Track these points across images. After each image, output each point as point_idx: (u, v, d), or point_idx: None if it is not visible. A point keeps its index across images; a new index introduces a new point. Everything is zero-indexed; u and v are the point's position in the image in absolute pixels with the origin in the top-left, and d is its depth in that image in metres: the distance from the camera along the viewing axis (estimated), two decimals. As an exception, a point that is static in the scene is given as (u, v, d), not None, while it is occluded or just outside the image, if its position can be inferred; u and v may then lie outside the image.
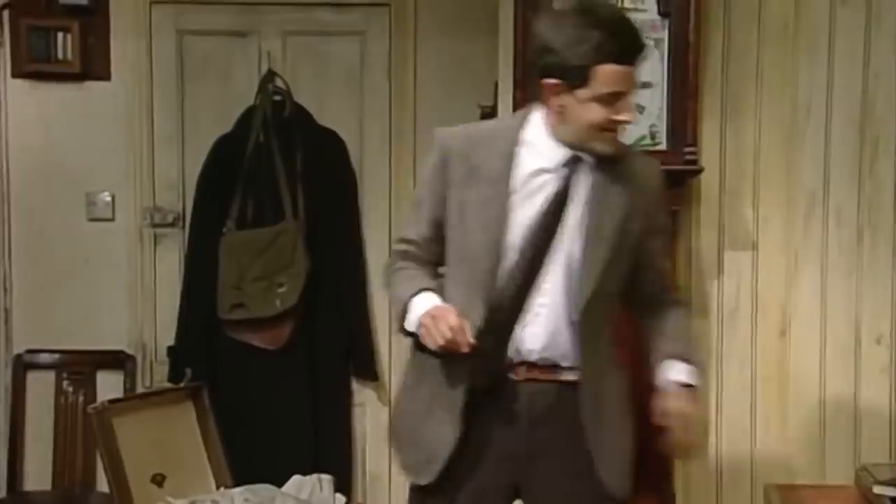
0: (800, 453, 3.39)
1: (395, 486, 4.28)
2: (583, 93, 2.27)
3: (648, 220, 2.44)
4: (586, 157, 2.36)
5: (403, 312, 2.38)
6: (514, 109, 3.20)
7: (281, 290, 4.06)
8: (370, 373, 4.26)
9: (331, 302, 4.16)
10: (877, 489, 2.99)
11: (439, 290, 2.41)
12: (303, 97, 4.18)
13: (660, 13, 3.23)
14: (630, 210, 2.39)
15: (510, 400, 2.40)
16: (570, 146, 2.35)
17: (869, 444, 3.35)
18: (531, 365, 2.39)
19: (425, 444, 2.45)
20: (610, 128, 2.31)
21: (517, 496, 2.49)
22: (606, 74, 2.25)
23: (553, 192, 2.36)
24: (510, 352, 2.38)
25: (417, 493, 2.51)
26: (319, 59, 4.26)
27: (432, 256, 2.48)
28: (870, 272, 3.36)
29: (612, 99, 2.27)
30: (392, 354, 4.27)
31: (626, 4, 3.24)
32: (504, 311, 2.36)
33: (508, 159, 2.38)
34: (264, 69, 4.17)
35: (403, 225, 2.63)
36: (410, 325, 2.36)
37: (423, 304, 2.34)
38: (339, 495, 3.45)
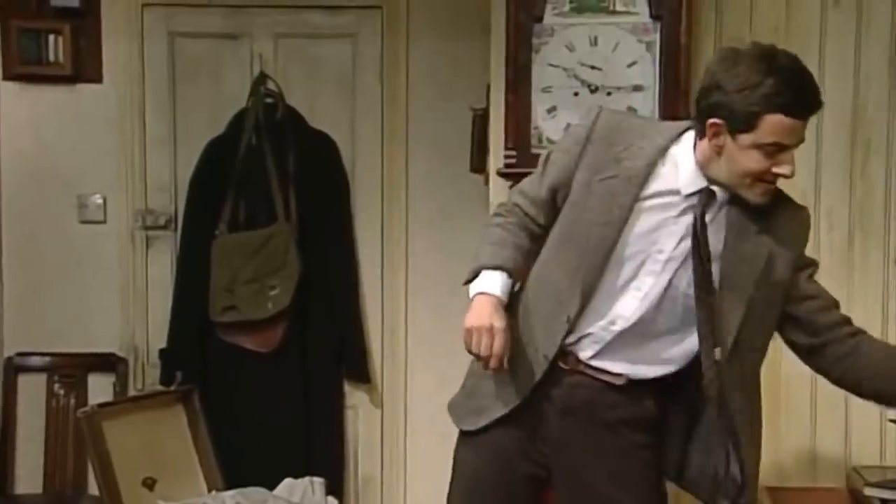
0: (791, 455, 3.39)
1: (387, 488, 4.28)
2: (745, 138, 2.20)
3: (796, 269, 2.38)
4: (721, 193, 2.30)
5: (474, 274, 2.35)
6: (506, 111, 3.21)
7: (273, 292, 4.05)
8: (362, 375, 4.25)
9: (323, 304, 4.15)
10: (868, 491, 3.00)
11: (522, 264, 2.39)
12: (295, 99, 4.18)
13: (651, 16, 3.23)
14: (771, 260, 2.32)
15: (552, 385, 2.40)
16: (717, 184, 2.29)
17: (860, 447, 3.36)
18: (580, 360, 2.39)
19: (483, 396, 2.45)
20: (766, 179, 2.25)
21: (546, 485, 2.48)
22: (774, 125, 2.18)
23: (691, 221, 2.29)
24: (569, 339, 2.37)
25: (461, 437, 2.53)
26: (311, 61, 4.25)
27: (539, 220, 2.43)
28: (861, 274, 3.36)
29: (773, 150, 2.20)
30: (384, 357, 4.27)
31: (619, 7, 3.24)
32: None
33: (650, 166, 2.33)
34: (256, 71, 4.17)
35: (526, 179, 2.52)
36: (470, 292, 2.34)
37: (490, 286, 2.32)
38: (331, 498, 3.45)
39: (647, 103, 3.24)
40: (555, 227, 2.41)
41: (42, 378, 4.19)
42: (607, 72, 3.26)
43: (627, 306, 2.34)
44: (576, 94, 3.27)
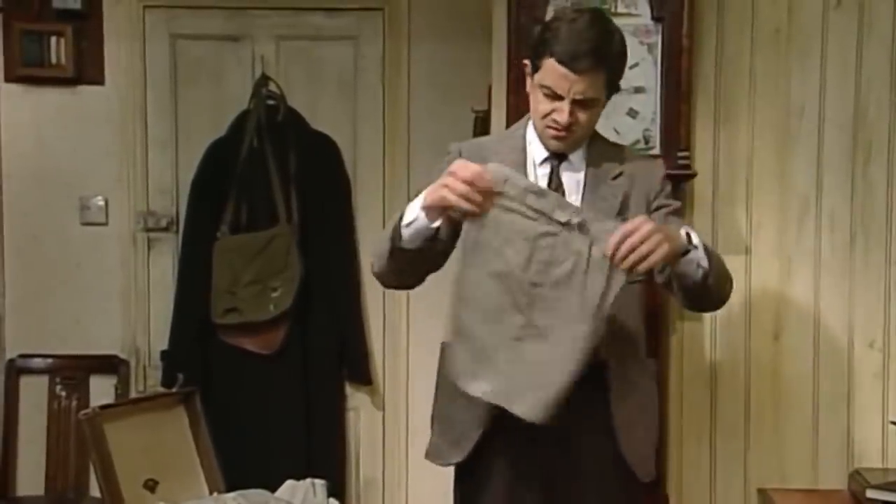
0: (793, 457, 3.39)
1: (388, 490, 4.28)
2: (535, 78, 2.38)
3: (649, 205, 2.46)
4: (574, 155, 2.45)
5: (398, 222, 2.31)
6: (508, 114, 3.21)
7: (274, 294, 4.05)
8: (364, 377, 4.25)
9: (324, 306, 4.15)
10: (870, 493, 3.00)
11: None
12: (296, 101, 4.18)
13: (653, 18, 3.24)
14: (626, 200, 2.43)
15: None
16: (540, 141, 2.45)
17: (862, 449, 3.36)
18: None
19: (457, 424, 2.51)
20: (549, 125, 2.38)
21: (553, 487, 2.48)
22: (549, 68, 2.33)
23: (546, 184, 2.42)
24: None
25: (456, 475, 2.57)
26: (313, 63, 4.26)
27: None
28: (863, 276, 3.37)
29: (550, 95, 2.35)
30: (385, 359, 4.27)
31: (620, 9, 3.24)
32: None
33: (521, 153, 2.47)
34: (258, 73, 4.17)
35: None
36: (413, 213, 2.28)
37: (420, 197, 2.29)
38: (332, 500, 3.44)
39: (649, 105, 3.24)
40: (462, 247, 2.36)
41: (44, 380, 4.20)
42: (609, 74, 3.25)
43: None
44: (577, 95, 3.26)
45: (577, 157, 2.46)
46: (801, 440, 3.39)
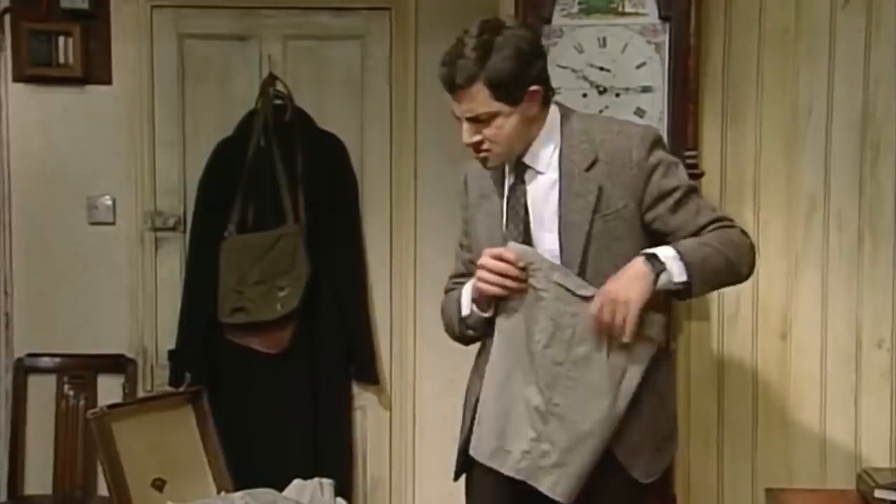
0: (801, 457, 3.39)
1: (395, 489, 4.28)
2: None
3: (637, 193, 2.40)
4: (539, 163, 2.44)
5: (459, 313, 2.56)
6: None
7: (282, 293, 4.05)
8: (371, 376, 4.25)
9: (331, 306, 4.15)
10: (878, 493, 3.00)
11: None
12: (303, 101, 4.18)
13: (660, 17, 3.24)
14: (602, 193, 2.38)
15: None
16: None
17: (870, 449, 3.36)
18: None
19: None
20: (463, 141, 2.40)
21: None
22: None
23: (507, 198, 2.45)
24: None
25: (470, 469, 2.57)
26: (320, 62, 4.25)
27: None
28: (870, 276, 3.36)
29: (455, 117, 2.39)
30: (392, 358, 4.27)
31: (627, 9, 3.24)
32: None
33: (501, 173, 2.49)
34: (265, 73, 4.17)
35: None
36: (466, 307, 2.52)
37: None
38: (339, 499, 3.45)
39: (656, 104, 3.24)
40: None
41: (52, 379, 4.20)
42: (616, 73, 3.26)
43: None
44: (584, 95, 3.27)
45: (543, 159, 2.43)
46: (808, 440, 3.39)
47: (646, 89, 3.24)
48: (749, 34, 3.37)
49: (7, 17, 4.18)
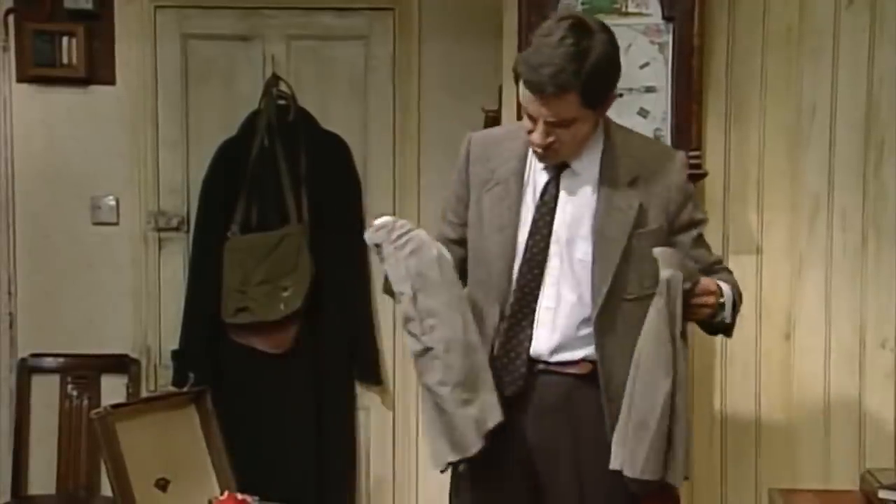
0: (804, 457, 3.38)
1: (399, 490, 4.28)
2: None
3: (670, 216, 2.42)
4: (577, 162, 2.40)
5: None
6: (518, 114, 3.20)
7: (285, 293, 4.06)
8: (374, 377, 4.26)
9: (335, 306, 4.16)
10: (882, 494, 2.99)
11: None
12: (307, 101, 4.19)
13: (664, 17, 3.23)
14: (643, 210, 2.38)
15: (525, 388, 2.42)
16: None
17: (874, 449, 3.35)
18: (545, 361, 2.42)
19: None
20: (532, 142, 2.34)
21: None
22: (522, 90, 2.30)
23: (540, 193, 2.40)
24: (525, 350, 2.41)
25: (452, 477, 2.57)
26: (323, 63, 4.26)
27: (457, 256, 2.50)
28: (874, 276, 3.35)
29: (529, 116, 2.31)
30: (396, 358, 4.27)
31: (631, 9, 3.24)
32: (515, 313, 2.40)
33: (522, 160, 2.43)
34: (268, 73, 4.18)
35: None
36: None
37: None
38: None
39: (660, 105, 3.23)
40: (469, 256, 2.51)
41: (55, 379, 4.21)
42: (619, 73, 3.25)
43: (546, 296, 2.40)
44: (588, 95, 3.26)
45: (585, 163, 2.40)
46: (812, 440, 3.38)
47: (649, 89, 3.23)
48: (753, 34, 3.36)
49: (11, 18, 4.19)
